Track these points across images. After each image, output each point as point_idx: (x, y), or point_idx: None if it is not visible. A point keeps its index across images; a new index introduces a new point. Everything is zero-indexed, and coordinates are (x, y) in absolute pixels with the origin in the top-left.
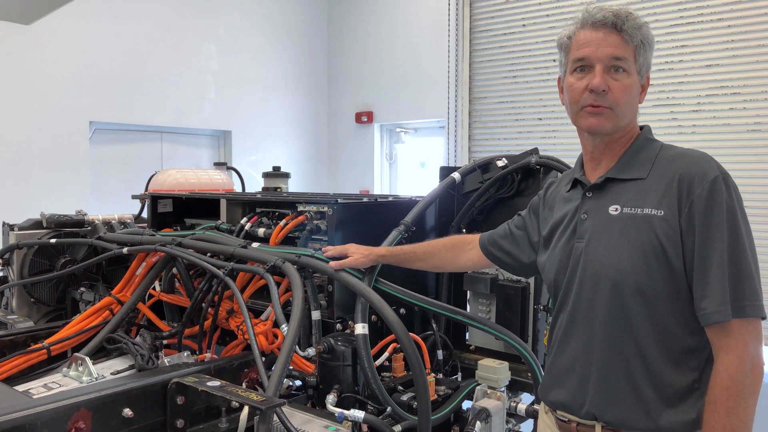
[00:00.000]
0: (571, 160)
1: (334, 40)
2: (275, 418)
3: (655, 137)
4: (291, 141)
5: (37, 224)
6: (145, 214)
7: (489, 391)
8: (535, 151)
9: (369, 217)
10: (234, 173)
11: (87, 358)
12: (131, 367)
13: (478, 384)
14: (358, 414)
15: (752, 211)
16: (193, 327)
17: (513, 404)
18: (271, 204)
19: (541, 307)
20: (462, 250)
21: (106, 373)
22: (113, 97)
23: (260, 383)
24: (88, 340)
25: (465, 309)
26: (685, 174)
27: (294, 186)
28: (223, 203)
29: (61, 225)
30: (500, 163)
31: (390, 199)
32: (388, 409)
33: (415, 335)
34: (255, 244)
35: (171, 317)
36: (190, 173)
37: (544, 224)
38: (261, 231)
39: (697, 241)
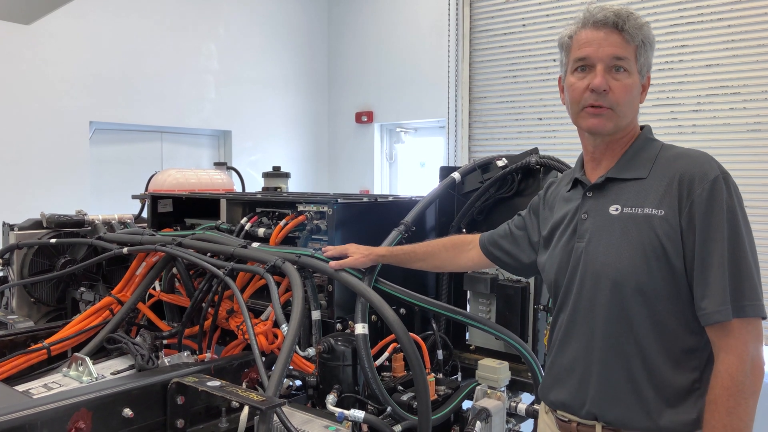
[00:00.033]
0: (571, 160)
1: (334, 40)
2: (275, 418)
3: (655, 137)
4: (291, 141)
5: (37, 224)
6: (145, 214)
7: (489, 391)
8: (535, 151)
9: (369, 217)
10: (234, 173)
11: (87, 358)
12: (131, 367)
13: (478, 384)
14: (358, 414)
15: (752, 210)
16: (193, 327)
17: (513, 404)
18: (271, 204)
19: (541, 307)
20: (462, 250)
21: (106, 373)
22: (113, 97)
23: (260, 383)
24: (88, 340)
25: (465, 309)
26: (686, 174)
27: (294, 186)
28: (223, 203)
29: (61, 225)
30: (500, 163)
31: (390, 199)
32: (388, 409)
33: (415, 335)
34: (255, 244)
35: (171, 317)
36: (190, 173)
37: (545, 224)
38: (261, 231)
39: (698, 241)
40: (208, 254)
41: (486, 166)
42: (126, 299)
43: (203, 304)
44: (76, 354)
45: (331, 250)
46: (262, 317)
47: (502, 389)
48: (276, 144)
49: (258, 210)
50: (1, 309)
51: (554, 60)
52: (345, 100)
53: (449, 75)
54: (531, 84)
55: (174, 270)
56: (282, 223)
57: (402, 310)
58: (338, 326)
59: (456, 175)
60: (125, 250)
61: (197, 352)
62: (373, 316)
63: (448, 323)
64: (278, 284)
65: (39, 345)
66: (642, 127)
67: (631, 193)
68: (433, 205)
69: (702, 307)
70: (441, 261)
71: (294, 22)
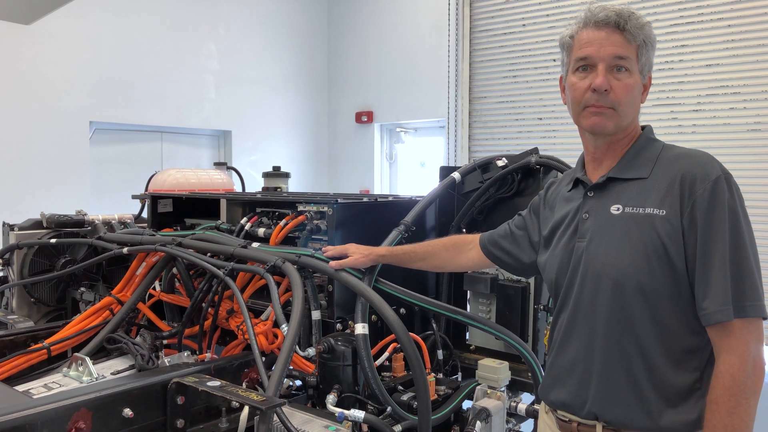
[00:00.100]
0: (571, 160)
1: (334, 40)
2: (275, 418)
3: (656, 137)
4: (291, 141)
5: (37, 224)
6: (145, 214)
7: (489, 391)
8: (535, 150)
9: (369, 217)
10: (234, 173)
11: (87, 358)
12: (131, 367)
13: (479, 384)
14: (359, 414)
15: (753, 210)
16: (193, 327)
17: (513, 404)
18: (271, 204)
19: (542, 307)
20: (462, 250)
21: (107, 373)
22: (113, 97)
23: (260, 383)
24: (89, 340)
25: (465, 309)
26: (688, 174)
27: (294, 186)
28: (223, 203)
29: (61, 225)
30: (500, 163)
31: (390, 199)
32: (389, 409)
33: (415, 335)
34: (255, 244)
35: (171, 317)
36: (190, 173)
37: (545, 224)
38: (261, 231)
39: (699, 241)
40: (208, 254)
41: (486, 166)
42: (126, 299)
43: (203, 304)
44: (76, 354)
45: (331, 250)
46: (262, 317)
47: (502, 389)
48: (276, 144)
49: (258, 210)
50: (1, 309)
51: (554, 60)
52: (345, 100)
53: (449, 75)
54: (531, 84)
55: (174, 270)
56: (282, 223)
57: (402, 310)
58: (338, 326)
59: (456, 175)
60: (125, 250)
61: (197, 352)
62: (373, 316)
63: (448, 323)
64: (278, 284)
65: (39, 345)
66: (643, 128)
67: (633, 193)
68: (433, 205)
69: (703, 307)
70: (441, 261)
71: (294, 22)
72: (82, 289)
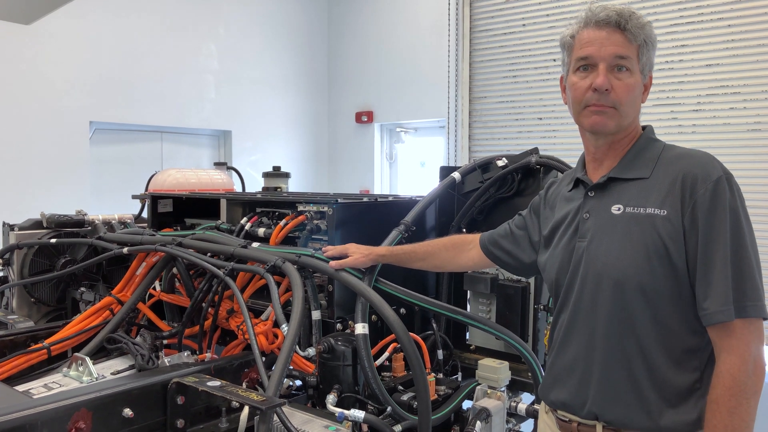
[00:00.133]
0: (571, 160)
1: (334, 40)
2: (275, 418)
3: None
4: (291, 141)
5: (37, 224)
6: (145, 214)
7: (489, 391)
8: (535, 150)
9: (369, 217)
10: (234, 173)
11: (87, 358)
12: (131, 367)
13: (479, 384)
14: (359, 414)
15: (753, 210)
16: (194, 327)
17: (513, 404)
18: (271, 204)
19: (542, 307)
20: (462, 250)
21: (107, 373)
22: (113, 97)
23: (260, 383)
24: (89, 340)
25: (465, 309)
26: (689, 174)
27: (294, 186)
28: (223, 203)
29: (61, 225)
30: (500, 163)
31: (390, 199)
32: (389, 408)
33: (415, 335)
34: (255, 244)
35: (171, 317)
36: (190, 173)
37: (545, 224)
38: (261, 231)
39: (700, 241)
40: (208, 254)
41: (486, 165)
42: (126, 299)
43: (203, 304)
44: (76, 354)
45: (331, 250)
46: (262, 317)
47: (503, 389)
48: (276, 144)
49: (258, 210)
50: (1, 309)
51: (554, 60)
52: (345, 100)
53: (449, 75)
54: (531, 84)
55: (174, 270)
56: (282, 223)
57: (402, 310)
58: (338, 326)
59: (456, 175)
60: (125, 250)
61: (197, 352)
62: (373, 316)
63: (448, 323)
64: (278, 284)
65: (39, 345)
66: (644, 128)
67: (634, 193)
68: (433, 205)
69: (704, 307)
70: (441, 261)
71: (294, 22)
72: (82, 289)
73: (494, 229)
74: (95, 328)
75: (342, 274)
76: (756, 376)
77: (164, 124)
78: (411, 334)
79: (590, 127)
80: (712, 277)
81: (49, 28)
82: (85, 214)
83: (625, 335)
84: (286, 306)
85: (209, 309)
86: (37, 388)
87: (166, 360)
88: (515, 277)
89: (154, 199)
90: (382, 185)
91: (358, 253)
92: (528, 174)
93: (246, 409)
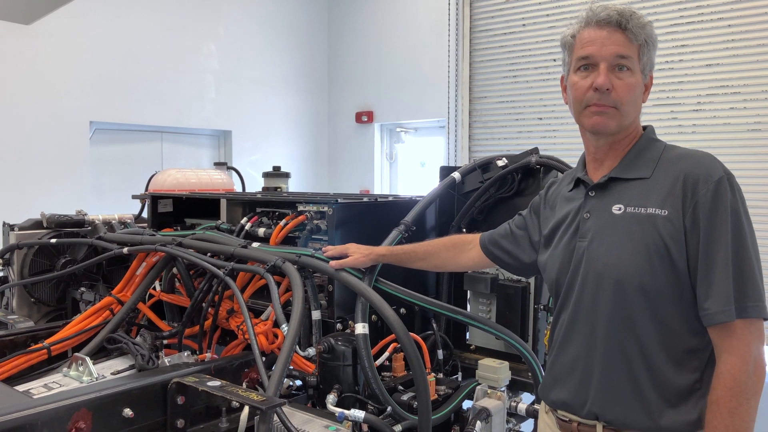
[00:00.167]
0: (571, 160)
1: (334, 40)
2: (275, 418)
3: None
4: (291, 141)
5: (37, 224)
6: (145, 214)
7: (489, 391)
8: (535, 150)
9: (369, 217)
10: (234, 173)
11: (87, 358)
12: (131, 367)
13: (479, 384)
14: (359, 414)
15: (753, 210)
16: (194, 327)
17: (513, 404)
18: (271, 204)
19: (542, 307)
20: (462, 250)
21: (107, 373)
22: (113, 97)
23: (260, 383)
24: (89, 340)
25: (465, 309)
26: (690, 174)
27: (294, 186)
28: (223, 203)
29: (62, 225)
30: (500, 163)
31: (390, 198)
32: (389, 408)
33: (415, 335)
34: (255, 244)
35: (171, 317)
36: (190, 173)
37: (545, 223)
38: (261, 231)
39: (702, 242)
40: (208, 254)
41: (486, 165)
42: (126, 299)
43: (203, 304)
44: (76, 354)
45: (332, 249)
46: (263, 317)
47: (503, 389)
48: (276, 144)
49: (258, 210)
50: (2, 309)
51: (554, 60)
52: (345, 100)
53: (449, 75)
54: (531, 84)
55: (174, 270)
56: (282, 223)
57: (402, 310)
58: (338, 326)
59: (456, 174)
60: (125, 250)
61: (197, 352)
62: (373, 316)
63: (448, 323)
64: (278, 284)
65: (39, 345)
66: (645, 128)
67: (635, 193)
68: (433, 205)
69: (705, 307)
70: (441, 260)
71: (294, 22)
72: (82, 289)
73: (494, 229)
74: (95, 328)
75: (342, 274)
76: (757, 377)
77: (164, 124)
78: (411, 334)
79: (591, 127)
80: (714, 277)
81: (49, 28)
82: (85, 214)
83: (625, 335)
84: (286, 306)
85: (209, 309)
86: (37, 388)
87: (166, 360)
88: (515, 277)
89: (154, 199)
90: (382, 185)
91: (358, 253)
92: (528, 174)
93: (246, 409)
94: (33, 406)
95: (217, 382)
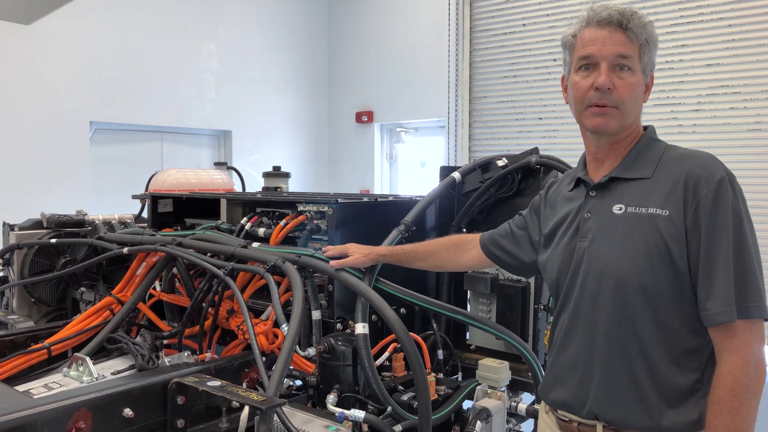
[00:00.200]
0: (571, 160)
1: (334, 40)
2: (276, 418)
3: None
4: (291, 141)
5: (37, 224)
6: (145, 214)
7: (489, 391)
8: (535, 150)
9: (369, 217)
10: (234, 173)
11: (87, 358)
12: (131, 367)
13: (479, 384)
14: (359, 414)
15: (753, 210)
16: (194, 327)
17: (513, 404)
18: (272, 204)
19: (542, 307)
20: (462, 250)
21: (107, 373)
22: (113, 97)
23: (260, 383)
24: (89, 340)
25: (465, 309)
26: (691, 174)
27: (294, 186)
28: (223, 203)
29: (62, 225)
30: (500, 163)
31: (390, 198)
32: (389, 408)
33: (415, 335)
34: (255, 244)
35: (171, 317)
36: (190, 173)
37: (546, 223)
38: (261, 231)
39: (703, 242)
40: (209, 254)
41: (486, 165)
42: (126, 299)
43: (203, 304)
44: (76, 354)
45: (332, 249)
46: (263, 317)
47: (503, 389)
48: (276, 144)
49: (258, 210)
50: (2, 309)
51: (554, 60)
52: (345, 100)
53: (449, 75)
54: (531, 84)
55: (174, 270)
56: (282, 223)
57: (402, 310)
58: (338, 326)
59: (456, 174)
60: (125, 250)
61: (197, 352)
62: (373, 316)
63: (448, 323)
64: (278, 284)
65: (39, 345)
66: (645, 128)
67: (635, 193)
68: (433, 205)
69: (706, 307)
70: (441, 260)
71: (294, 22)
72: (82, 289)
73: (494, 228)
74: (95, 328)
75: (342, 274)
76: (757, 377)
77: (164, 124)
78: (411, 334)
79: (593, 128)
80: (715, 277)
81: (49, 28)
82: (85, 214)
83: (625, 335)
84: (286, 306)
85: (209, 309)
86: (37, 388)
87: (166, 360)
88: (515, 277)
89: (154, 199)
90: (382, 185)
91: (358, 252)
92: (528, 174)
93: (246, 409)
94: (33, 406)
95: (217, 382)
